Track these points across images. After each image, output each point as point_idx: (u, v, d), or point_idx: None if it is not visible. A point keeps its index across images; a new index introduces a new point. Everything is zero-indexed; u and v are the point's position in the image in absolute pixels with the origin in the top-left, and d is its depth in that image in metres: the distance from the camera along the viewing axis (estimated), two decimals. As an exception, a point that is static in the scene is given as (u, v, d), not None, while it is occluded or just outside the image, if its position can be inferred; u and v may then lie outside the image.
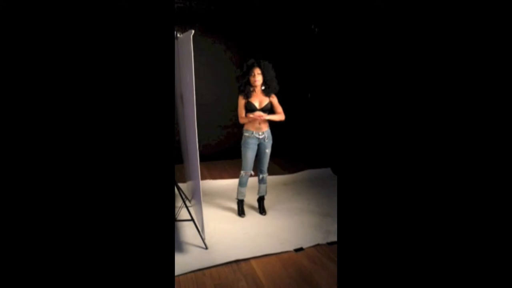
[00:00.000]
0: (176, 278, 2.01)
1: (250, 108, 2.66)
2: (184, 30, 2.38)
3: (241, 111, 2.69)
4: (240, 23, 4.40)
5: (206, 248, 2.34)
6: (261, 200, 2.99)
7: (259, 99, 2.68)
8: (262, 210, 2.96)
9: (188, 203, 3.02)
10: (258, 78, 2.61)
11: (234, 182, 3.29)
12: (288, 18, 4.48)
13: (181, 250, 2.33)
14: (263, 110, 2.67)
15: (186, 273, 2.07)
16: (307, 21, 4.53)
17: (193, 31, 1.97)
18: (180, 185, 3.08)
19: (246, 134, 2.73)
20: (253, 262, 2.20)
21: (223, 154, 4.50)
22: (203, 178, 3.80)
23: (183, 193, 2.87)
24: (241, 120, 2.72)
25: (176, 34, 2.39)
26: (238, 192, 2.92)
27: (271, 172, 3.83)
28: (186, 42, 2.10)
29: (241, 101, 2.68)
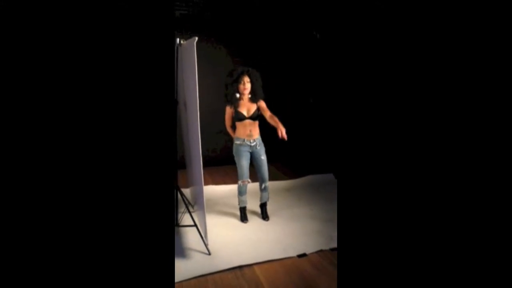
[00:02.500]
0: (178, 284, 2.01)
1: (239, 117, 2.71)
2: (187, 36, 2.41)
3: (228, 121, 2.81)
4: (242, 30, 4.43)
5: (209, 253, 2.34)
6: (263, 206, 2.99)
7: (246, 107, 2.72)
8: (264, 215, 2.96)
9: (191, 209, 3.03)
10: (247, 86, 2.67)
11: (236, 187, 3.29)
12: (290, 24, 4.51)
13: (184, 255, 2.33)
14: (252, 117, 2.71)
15: (189, 279, 2.06)
16: (309, 27, 4.56)
17: (196, 38, 1.99)
18: (183, 190, 3.08)
19: (237, 142, 2.76)
20: (256, 268, 2.20)
21: (226, 159, 4.49)
22: (206, 183, 3.80)
23: (186, 198, 2.88)
24: (228, 130, 2.86)
25: (180, 41, 2.41)
26: (239, 201, 2.92)
27: (273, 177, 3.82)
28: (189, 49, 2.12)
29: (228, 111, 2.77)
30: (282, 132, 2.43)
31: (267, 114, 2.70)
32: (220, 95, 4.35)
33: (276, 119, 2.66)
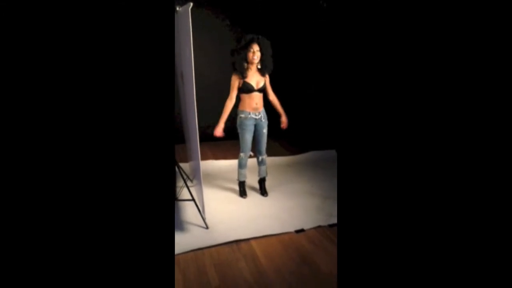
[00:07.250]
0: (176, 257, 2.02)
1: (247, 88, 2.58)
2: (184, 3, 2.28)
3: (233, 92, 2.60)
4: (245, -2, 4.22)
5: (207, 228, 2.34)
6: (262, 181, 2.96)
7: (255, 79, 2.60)
8: (263, 191, 2.94)
9: (190, 183, 3.02)
10: (257, 54, 2.51)
11: (236, 162, 3.27)
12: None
13: (181, 229, 2.34)
14: (260, 90, 2.61)
15: (186, 252, 2.08)
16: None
17: (191, 4, 1.87)
18: (182, 165, 3.06)
19: (242, 115, 2.66)
20: (253, 242, 2.20)
21: (227, 134, 4.43)
22: (206, 158, 3.77)
23: (184, 172, 2.86)
24: (229, 101, 2.60)
25: (176, 8, 2.29)
26: (239, 174, 2.89)
27: (274, 153, 3.78)
28: (184, 16, 2.01)
29: (235, 81, 2.58)
30: (284, 122, 2.73)
31: (270, 91, 2.70)
32: (221, 66, 4.25)
33: (279, 105, 2.72)
